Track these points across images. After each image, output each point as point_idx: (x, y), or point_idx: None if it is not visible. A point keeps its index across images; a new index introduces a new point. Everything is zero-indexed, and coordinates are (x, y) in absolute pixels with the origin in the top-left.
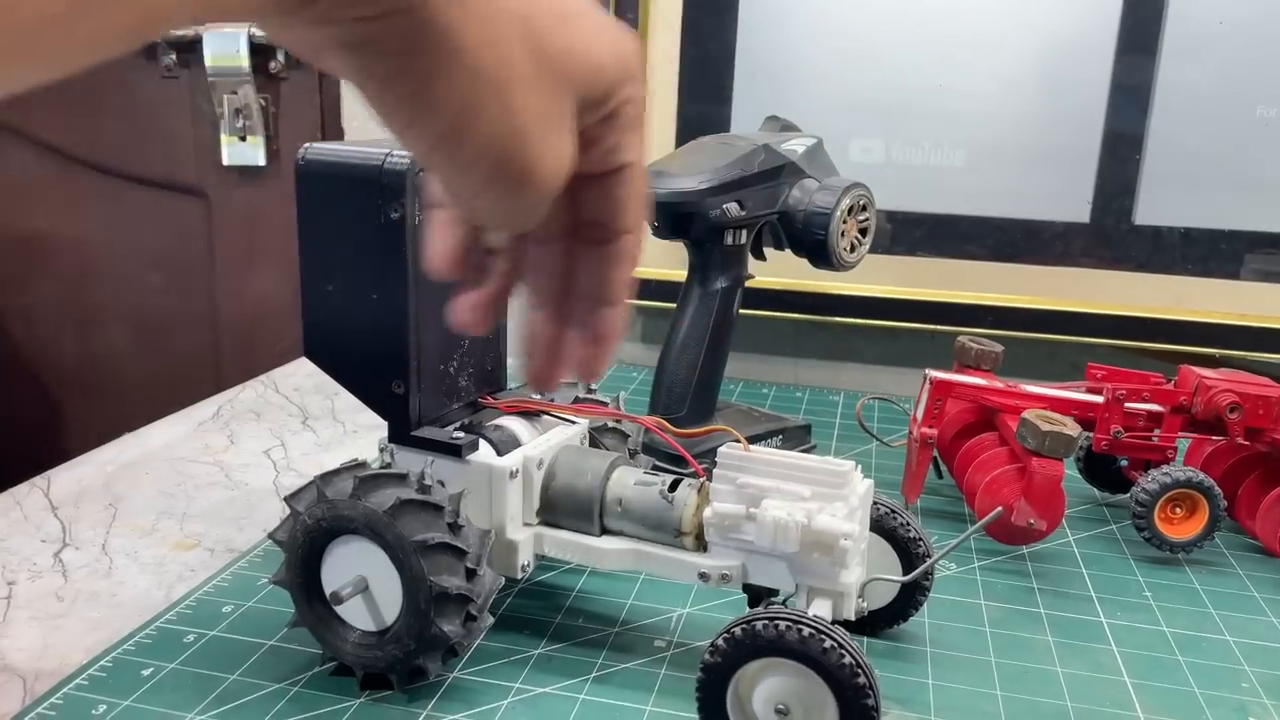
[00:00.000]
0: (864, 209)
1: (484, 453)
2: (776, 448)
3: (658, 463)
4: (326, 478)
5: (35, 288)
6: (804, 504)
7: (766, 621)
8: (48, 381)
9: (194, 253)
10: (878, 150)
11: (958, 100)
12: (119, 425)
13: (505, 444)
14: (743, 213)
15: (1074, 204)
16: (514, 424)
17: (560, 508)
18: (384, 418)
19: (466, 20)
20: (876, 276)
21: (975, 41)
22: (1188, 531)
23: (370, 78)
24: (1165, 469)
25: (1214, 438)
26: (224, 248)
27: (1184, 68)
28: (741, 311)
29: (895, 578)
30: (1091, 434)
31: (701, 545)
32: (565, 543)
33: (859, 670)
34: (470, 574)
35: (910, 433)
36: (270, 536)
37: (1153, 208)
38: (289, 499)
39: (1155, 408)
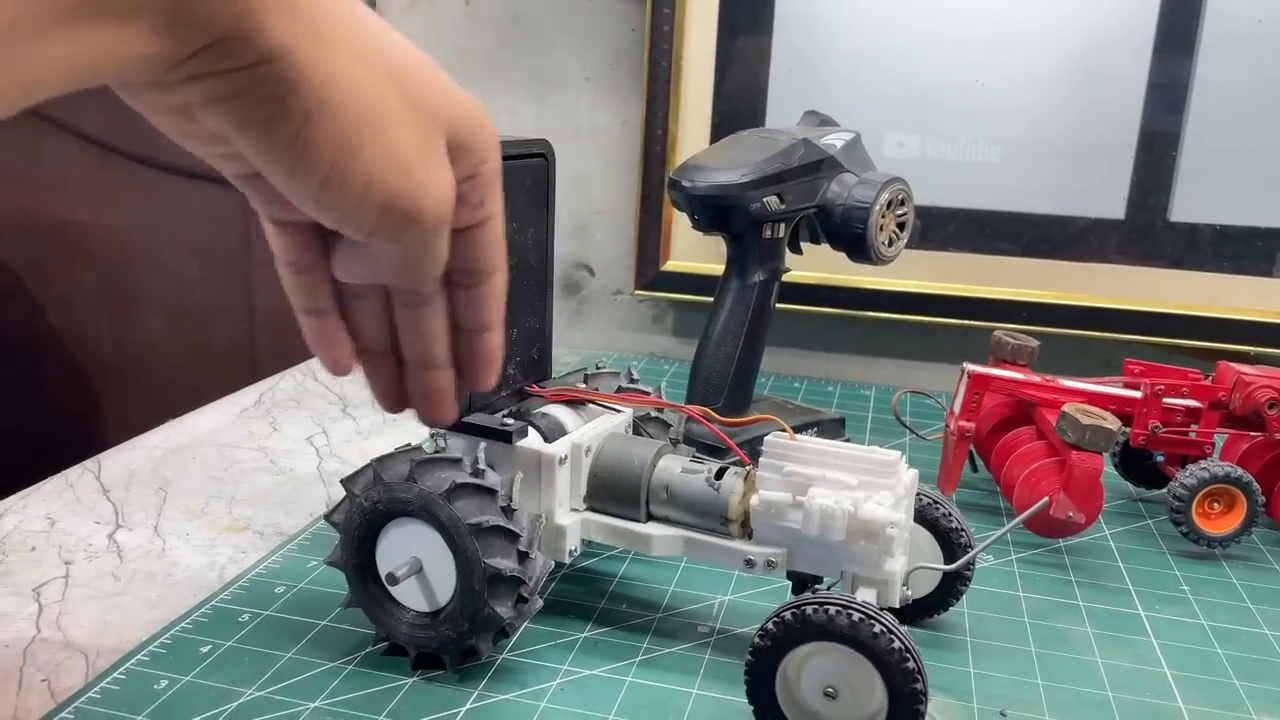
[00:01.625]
0: (902, 203)
1: (533, 439)
2: (815, 438)
3: (697, 453)
4: (383, 461)
5: (74, 277)
6: (851, 492)
7: (816, 606)
8: (86, 369)
9: (230, 242)
10: (913, 145)
11: (993, 96)
12: (156, 412)
13: (552, 431)
14: (782, 206)
15: (1109, 200)
16: (560, 412)
17: (607, 494)
18: None
19: (334, 61)
20: (911, 271)
21: (1011, 38)
22: (1225, 527)
23: (248, 126)
24: (1203, 464)
25: (1252, 434)
26: (260, 238)
27: (1221, 65)
28: (777, 305)
29: (939, 566)
30: (1129, 429)
31: (747, 532)
32: (612, 529)
33: (908, 655)
34: (522, 556)
35: (947, 426)
36: (327, 519)
37: (1188, 204)
38: (345, 481)
39: (1193, 403)
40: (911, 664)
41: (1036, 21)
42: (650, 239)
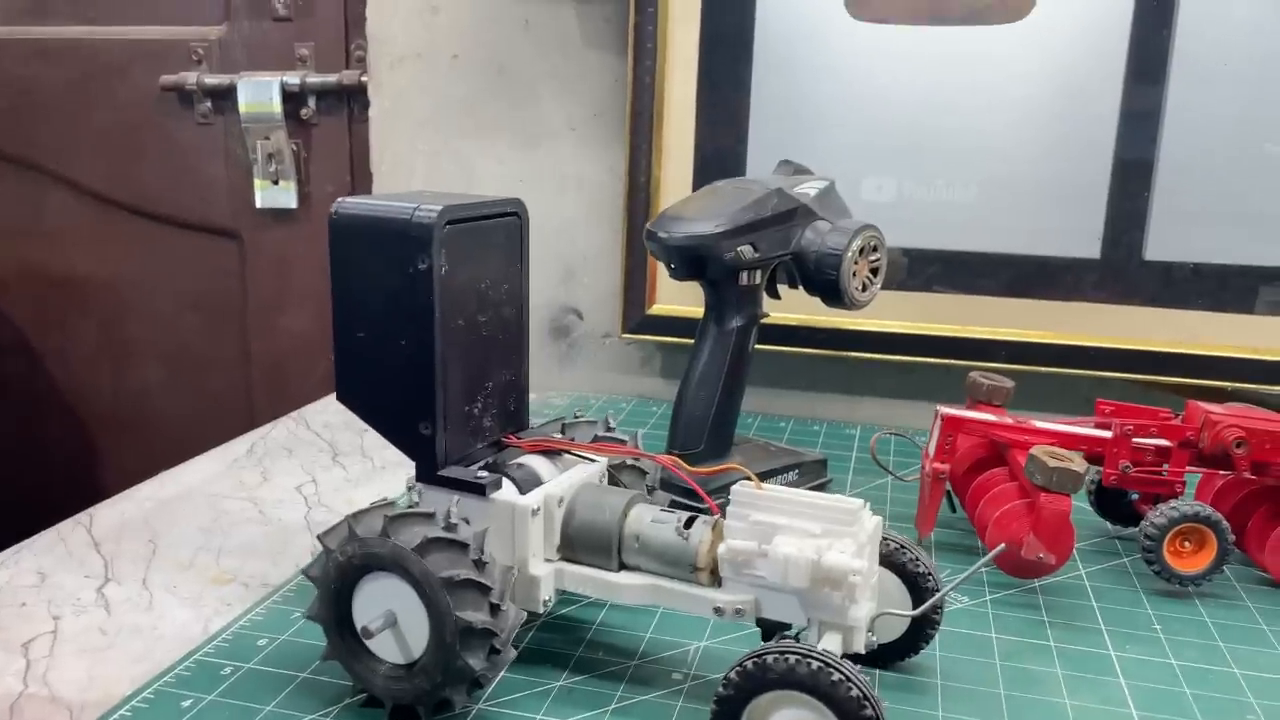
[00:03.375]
0: (875, 250)
1: (507, 491)
2: (793, 481)
3: (675, 499)
4: (357, 516)
5: (73, 328)
6: (814, 540)
7: (777, 655)
8: (85, 419)
9: (227, 293)
10: (890, 189)
11: (969, 139)
12: (154, 461)
13: (527, 482)
14: (757, 254)
15: (1085, 240)
16: (536, 462)
17: (580, 544)
18: (412, 458)
19: None
20: (892, 312)
21: (985, 83)
22: (1197, 565)
23: None
24: (1173, 503)
25: (1221, 472)
26: (256, 288)
27: (1190, 107)
28: (758, 347)
29: (905, 612)
30: (1101, 468)
31: (716, 580)
32: (585, 578)
33: (866, 702)
34: (494, 609)
35: (923, 467)
36: (304, 573)
37: (1162, 244)
38: (322, 537)
39: (1163, 442)
40: (870, 711)
41: (1010, 67)
42: (636, 283)
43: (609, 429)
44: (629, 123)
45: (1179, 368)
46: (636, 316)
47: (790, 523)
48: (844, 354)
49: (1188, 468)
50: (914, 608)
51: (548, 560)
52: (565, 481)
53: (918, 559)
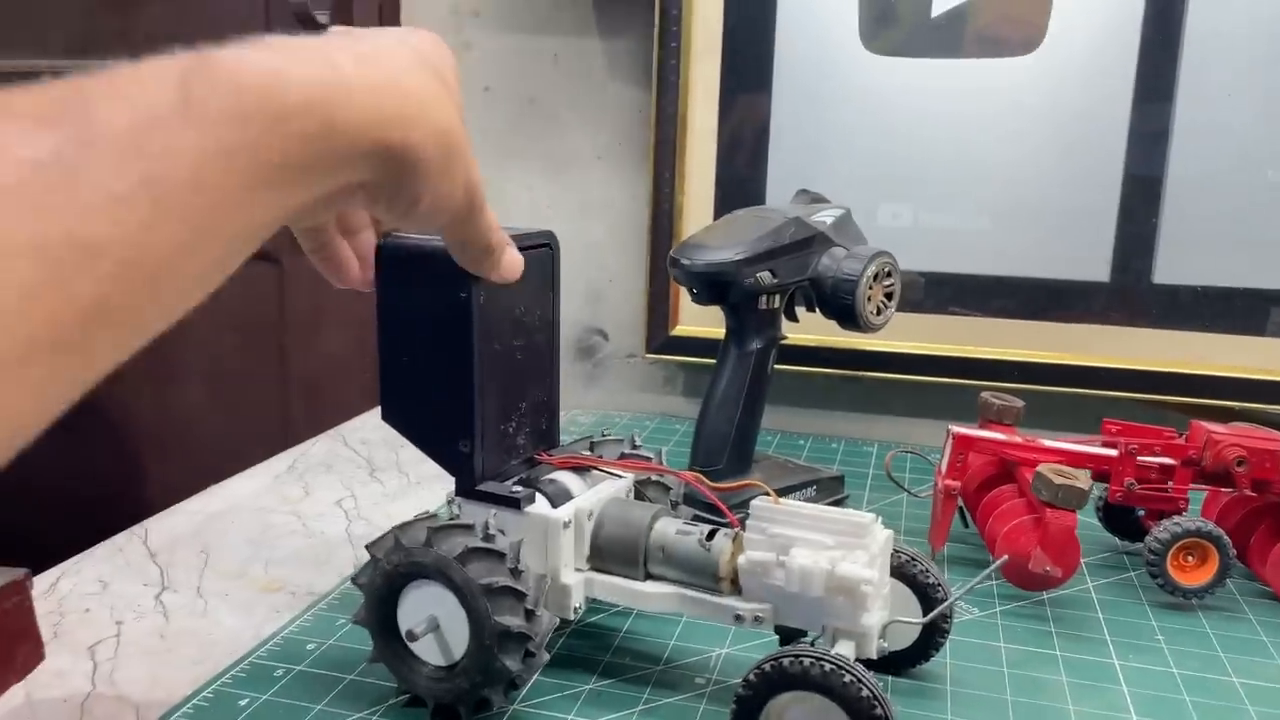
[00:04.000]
0: (889, 275)
1: (540, 505)
2: (811, 497)
3: (697, 513)
4: (403, 528)
5: None
6: (828, 552)
7: (793, 659)
8: (129, 437)
9: (265, 314)
10: (905, 215)
11: (981, 168)
12: (195, 478)
13: (559, 496)
14: (775, 280)
15: (1095, 264)
16: (566, 478)
17: (609, 555)
18: (452, 474)
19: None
20: (907, 334)
21: (997, 113)
22: (1200, 579)
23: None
24: (1176, 519)
25: (1224, 490)
26: (293, 310)
27: (1197, 134)
28: (777, 368)
29: (914, 620)
30: (1107, 485)
31: (736, 589)
32: (613, 587)
33: (875, 702)
34: (529, 615)
35: (936, 484)
36: (352, 580)
37: (1171, 267)
38: (369, 547)
39: (1167, 461)
40: (880, 710)
41: (1020, 98)
42: (659, 305)
43: (634, 446)
44: (652, 152)
45: (1186, 388)
46: (660, 337)
47: (805, 535)
48: (860, 374)
49: (1191, 485)
50: (924, 616)
51: (578, 570)
52: (594, 496)
53: (927, 570)
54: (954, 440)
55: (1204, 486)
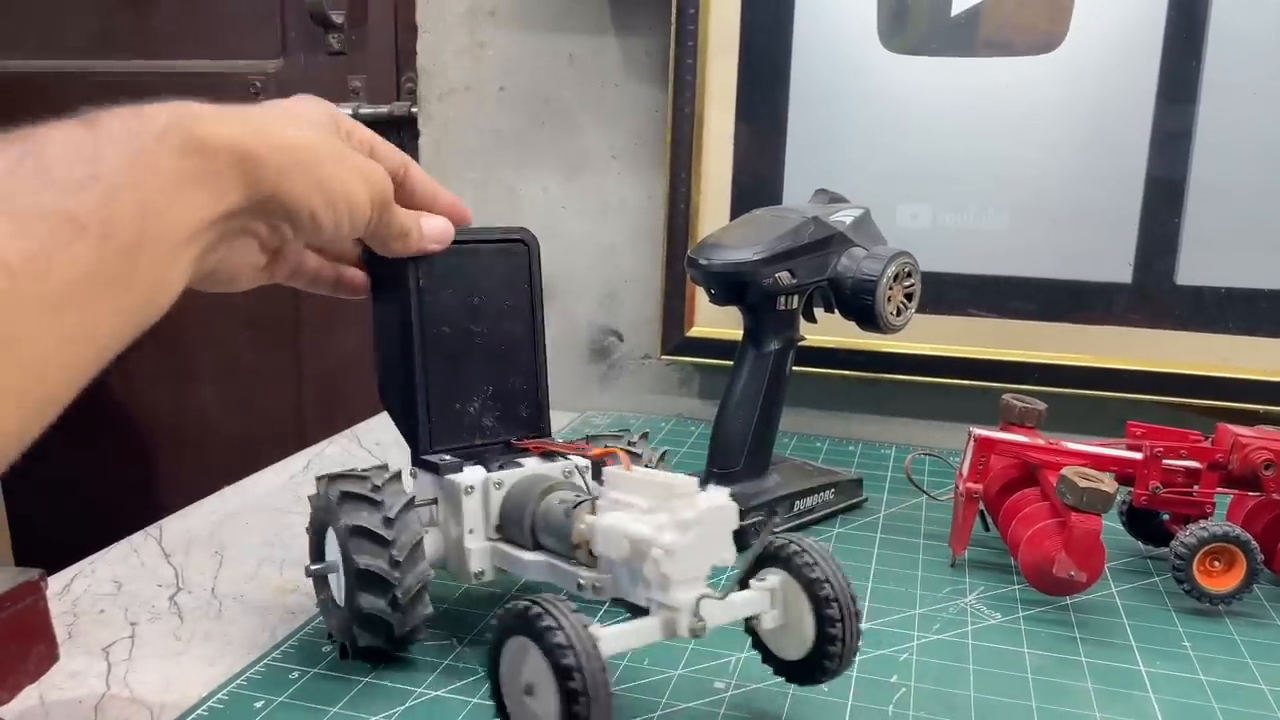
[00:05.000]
0: (909, 275)
1: (461, 474)
2: (829, 500)
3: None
4: (325, 476)
5: (134, 348)
6: (638, 514)
7: (528, 604)
8: (145, 436)
9: (280, 314)
10: (925, 216)
11: (1002, 167)
12: (211, 477)
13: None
14: (794, 281)
15: (1116, 264)
16: (531, 461)
17: (508, 524)
18: (409, 446)
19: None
20: (926, 335)
21: (1018, 112)
22: (1226, 584)
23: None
24: (1203, 524)
25: (1251, 494)
26: (307, 310)
27: (1220, 134)
28: (795, 369)
29: (717, 594)
30: (1131, 489)
31: (595, 560)
32: (506, 555)
33: (567, 650)
34: (394, 561)
35: (956, 487)
36: (306, 529)
37: (1194, 268)
38: (311, 496)
39: (1193, 464)
40: (570, 660)
41: (1041, 97)
42: (675, 306)
43: (631, 443)
44: (669, 151)
45: (1210, 391)
46: (676, 338)
47: (628, 499)
48: (879, 376)
49: (1217, 489)
50: (815, 620)
51: (489, 539)
52: (517, 471)
53: (815, 563)
54: (975, 443)
55: (1230, 490)
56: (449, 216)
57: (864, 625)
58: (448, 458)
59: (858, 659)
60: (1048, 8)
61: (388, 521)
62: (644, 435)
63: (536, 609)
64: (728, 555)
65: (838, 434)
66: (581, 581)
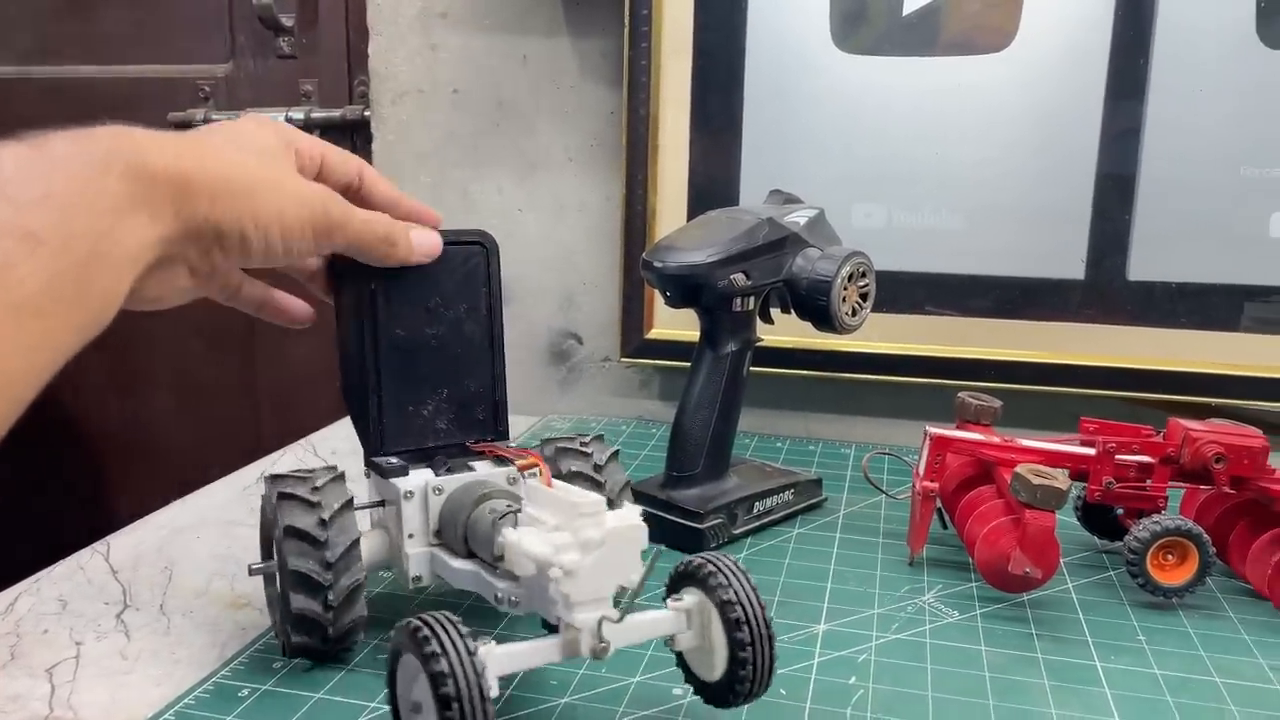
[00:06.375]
0: (864, 275)
1: (404, 478)
2: (789, 501)
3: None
4: (271, 477)
5: (83, 358)
6: (543, 532)
7: (416, 623)
8: (96, 447)
9: (233, 323)
10: (880, 215)
11: (955, 166)
12: (164, 489)
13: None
14: (749, 282)
15: (1069, 262)
16: (483, 466)
17: (445, 531)
18: (363, 446)
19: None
20: (883, 334)
21: (971, 111)
22: (1180, 577)
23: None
24: (1155, 518)
25: (1202, 487)
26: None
27: (1168, 132)
28: (754, 370)
29: (613, 614)
30: (1086, 485)
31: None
32: (440, 561)
33: (448, 678)
34: (326, 564)
35: (913, 486)
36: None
37: (1146, 264)
38: (263, 496)
39: (1145, 459)
40: (447, 681)
41: (994, 96)
42: (634, 308)
43: (583, 443)
44: (625, 153)
45: (1164, 385)
46: (635, 341)
47: (540, 514)
48: (838, 376)
49: (1170, 483)
50: (727, 640)
51: (430, 545)
52: (459, 476)
53: (727, 584)
54: (931, 441)
55: (1183, 484)
56: (419, 221)
57: (822, 627)
58: (396, 460)
59: (816, 660)
60: (998, 8)
61: (323, 523)
62: (599, 437)
63: (424, 630)
64: (634, 575)
65: (798, 434)
66: (499, 594)
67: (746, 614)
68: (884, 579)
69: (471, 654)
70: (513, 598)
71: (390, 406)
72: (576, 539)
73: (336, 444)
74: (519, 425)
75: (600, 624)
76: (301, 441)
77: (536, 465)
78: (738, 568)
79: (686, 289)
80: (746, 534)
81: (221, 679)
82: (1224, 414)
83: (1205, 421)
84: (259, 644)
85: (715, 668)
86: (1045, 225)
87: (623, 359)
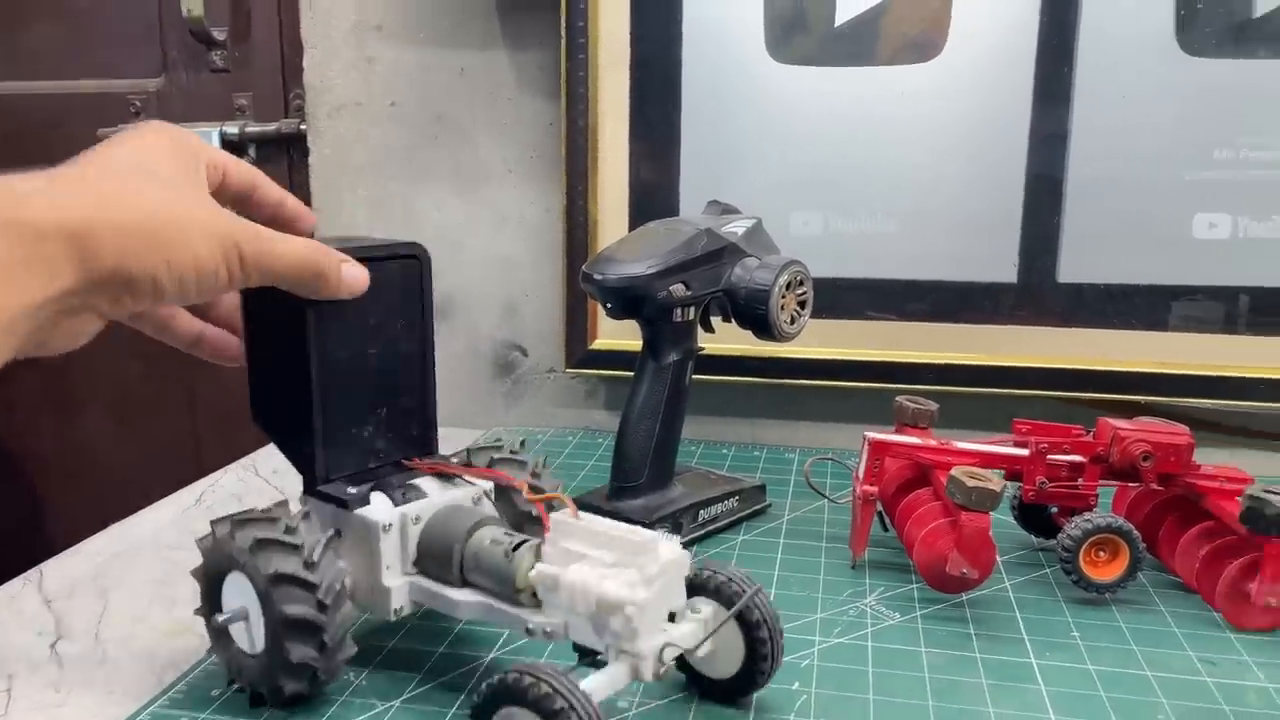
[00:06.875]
0: (801, 284)
1: (373, 508)
2: (733, 508)
3: (508, 530)
4: (219, 521)
5: (16, 377)
6: (605, 569)
7: (519, 675)
8: (31, 470)
9: None
10: (817, 223)
11: (890, 173)
12: (102, 512)
13: (407, 501)
14: (689, 293)
15: (1002, 265)
16: (427, 484)
17: (430, 560)
18: (300, 473)
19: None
20: (824, 340)
21: (903, 119)
22: (1112, 573)
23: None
24: (1087, 516)
25: (1131, 485)
26: None
27: (1093, 139)
28: (698, 377)
29: (686, 646)
30: (1021, 485)
31: (537, 602)
32: (431, 593)
33: (570, 713)
34: (321, 605)
35: (853, 490)
36: (192, 573)
37: (1074, 267)
38: (199, 540)
39: (1077, 458)
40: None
41: (924, 104)
42: (578, 319)
43: (513, 453)
44: (564, 165)
45: (1095, 384)
46: (579, 352)
47: (591, 551)
48: (780, 382)
49: (1100, 481)
50: (745, 647)
51: (406, 574)
52: (426, 503)
53: (742, 591)
54: (869, 446)
55: (1113, 482)
56: (298, 220)
57: None
58: (353, 490)
59: None
60: (927, 17)
61: (310, 565)
62: (522, 442)
63: (541, 685)
64: (679, 601)
65: (744, 439)
66: (531, 626)
67: (763, 615)
68: (827, 583)
69: (589, 703)
70: (547, 629)
71: (333, 431)
72: (641, 575)
73: (277, 463)
74: (464, 439)
75: (663, 650)
76: (243, 460)
77: (559, 499)
78: (743, 573)
79: (627, 300)
80: (692, 542)
81: (159, 709)
82: (1155, 412)
83: (1133, 420)
84: (198, 671)
85: (728, 667)
86: (978, 229)
87: (567, 370)
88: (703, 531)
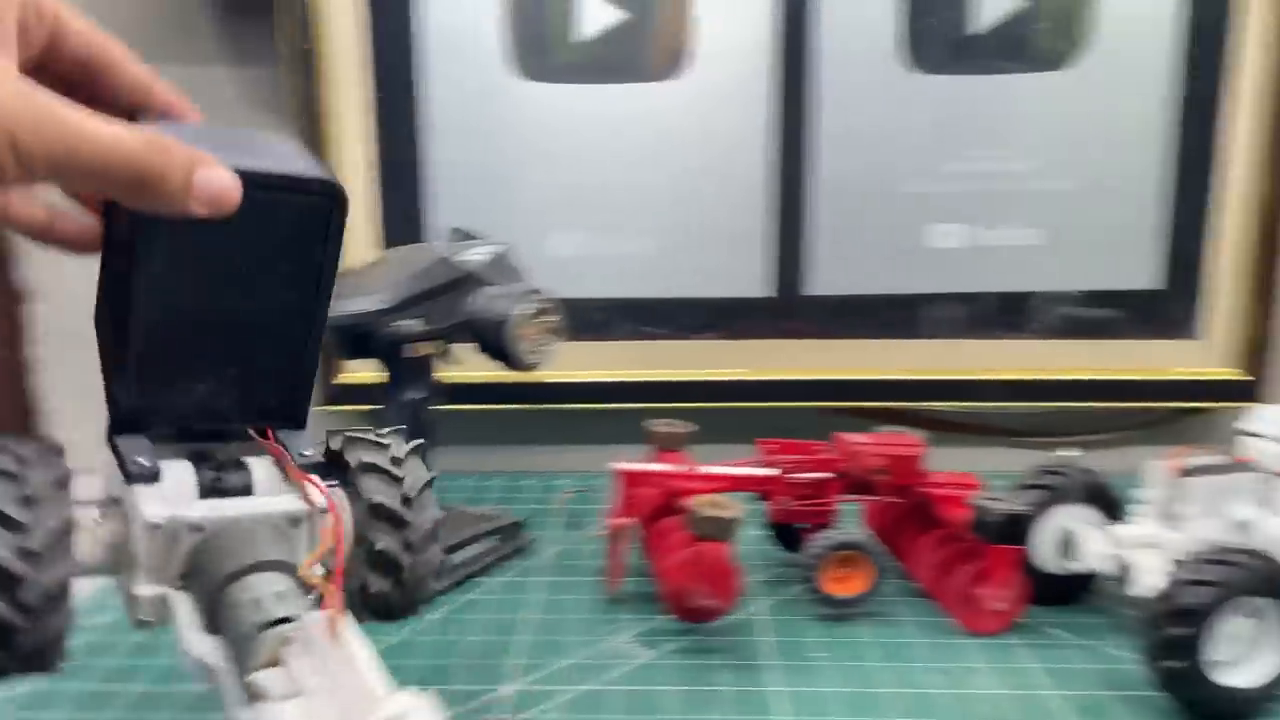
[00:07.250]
0: (543, 312)
1: (152, 490)
2: (495, 546)
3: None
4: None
5: None
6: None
7: None
8: None
9: None
10: (572, 244)
11: (644, 192)
12: None
13: (233, 488)
14: (426, 327)
15: (757, 280)
16: (261, 469)
17: (193, 585)
18: (108, 411)
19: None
20: (586, 362)
21: (653, 138)
22: (856, 588)
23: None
24: (826, 533)
25: (871, 498)
26: None
27: (831, 155)
28: (459, 407)
29: None
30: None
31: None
32: (178, 619)
33: None
34: (25, 553)
35: (605, 522)
36: None
37: (821, 280)
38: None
39: (819, 475)
40: None
41: (672, 122)
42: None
43: (303, 454)
44: None
45: (852, 393)
46: (327, 389)
47: (316, 688)
48: (544, 407)
49: (840, 496)
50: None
51: (164, 584)
52: (227, 508)
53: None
54: (619, 477)
55: (853, 498)
56: (171, 112)
57: (515, 687)
58: (145, 460)
59: None
60: (668, 34)
61: (25, 500)
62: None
63: None
64: None
65: (514, 468)
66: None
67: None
68: (584, 623)
69: None
70: None
71: (152, 376)
72: None
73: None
74: None
75: None
76: None
77: (324, 590)
78: None
79: (354, 340)
80: (447, 590)
81: None
82: (905, 417)
83: (870, 434)
84: None
85: None
86: (733, 246)
87: (316, 408)
88: (461, 576)
